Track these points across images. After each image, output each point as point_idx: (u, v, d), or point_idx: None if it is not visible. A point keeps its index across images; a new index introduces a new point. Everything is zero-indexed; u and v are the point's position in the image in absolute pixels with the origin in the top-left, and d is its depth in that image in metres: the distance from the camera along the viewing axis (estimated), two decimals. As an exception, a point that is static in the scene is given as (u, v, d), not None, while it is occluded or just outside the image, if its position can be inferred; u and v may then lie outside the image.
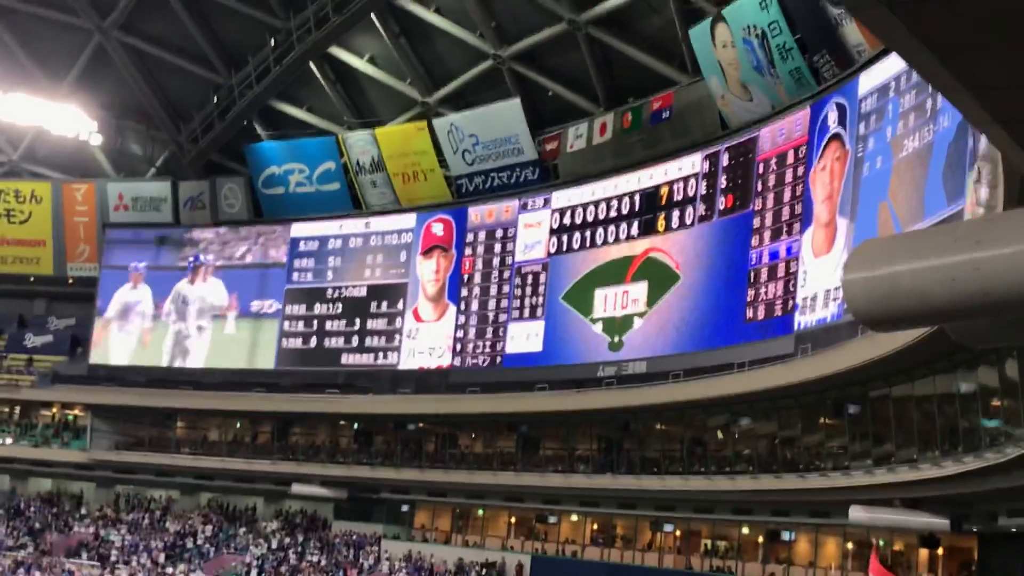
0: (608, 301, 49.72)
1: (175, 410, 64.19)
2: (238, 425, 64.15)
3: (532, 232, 53.80)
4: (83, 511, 66.47)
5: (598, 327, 49.88)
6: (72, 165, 69.22)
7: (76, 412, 67.31)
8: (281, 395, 59.74)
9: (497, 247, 55.13)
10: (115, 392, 63.63)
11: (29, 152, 70.31)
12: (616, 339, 48.90)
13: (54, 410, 68.20)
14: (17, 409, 68.32)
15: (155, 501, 67.31)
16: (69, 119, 63.90)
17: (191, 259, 64.88)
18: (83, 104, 64.06)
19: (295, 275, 61.81)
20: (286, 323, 61.43)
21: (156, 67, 64.06)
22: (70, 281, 69.43)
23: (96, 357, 65.95)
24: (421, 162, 57.74)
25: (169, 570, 59.24)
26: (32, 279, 70.38)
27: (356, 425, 60.69)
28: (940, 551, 39.78)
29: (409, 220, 58.71)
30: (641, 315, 48.11)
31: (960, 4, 6.01)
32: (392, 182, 58.91)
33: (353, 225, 60.63)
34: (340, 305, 59.95)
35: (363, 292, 59.39)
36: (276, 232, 62.78)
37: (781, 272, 41.37)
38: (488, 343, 54.49)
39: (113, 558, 60.74)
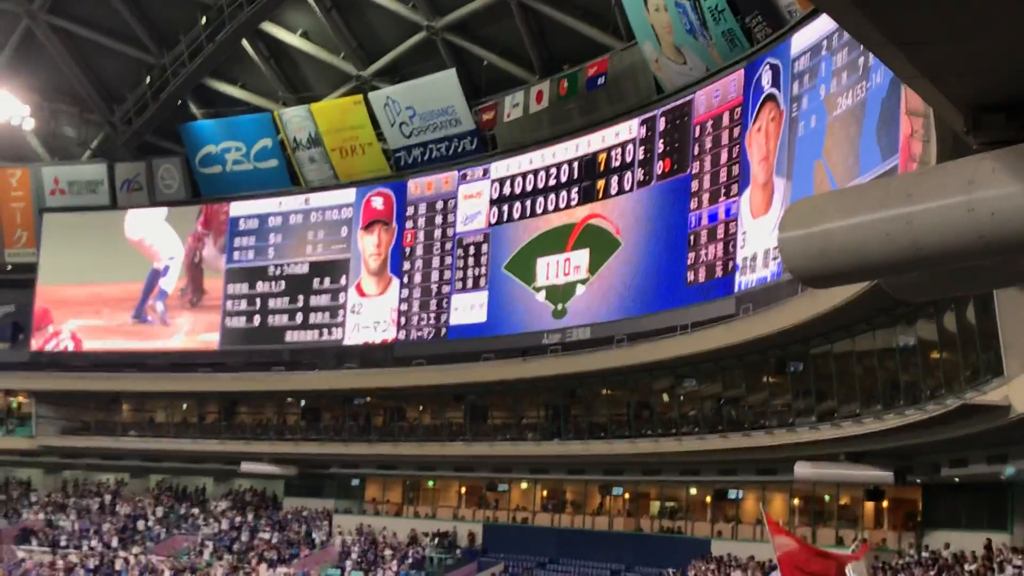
0: (550, 269, 49.84)
1: (120, 393, 63.80)
2: (184, 406, 63.76)
3: (472, 203, 53.78)
4: (32, 498, 66.05)
5: (541, 295, 50.00)
6: (5, 150, 68.21)
7: (20, 399, 66.71)
8: (226, 374, 59.37)
9: (438, 219, 55.05)
10: (58, 378, 63.11)
11: (-40, 139, 69.44)
12: (560, 307, 49.05)
13: (-3, 397, 67.69)
14: (-41, 399, 67.75)
15: (104, 485, 66.99)
16: (0, 104, 63.13)
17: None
18: (14, 89, 63.25)
19: (236, 254, 61.44)
20: (229, 302, 61.10)
21: (87, 49, 63.33)
22: (8, 268, 68.62)
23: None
24: (358, 136, 57.53)
25: (121, 553, 59.01)
26: (-31, 267, 69.62)
27: (303, 402, 60.51)
28: (885, 503, 40.36)
29: (349, 195, 58.50)
30: (583, 282, 48.28)
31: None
32: (330, 157, 58.66)
33: (292, 202, 60.32)
34: (283, 283, 59.69)
35: (305, 269, 59.18)
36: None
37: (720, 234, 41.62)
38: (432, 315, 54.49)
39: (64, 543, 60.43)
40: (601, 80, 48.67)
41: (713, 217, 42.07)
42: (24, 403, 66.28)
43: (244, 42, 59.13)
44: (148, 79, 62.52)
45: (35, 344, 64.95)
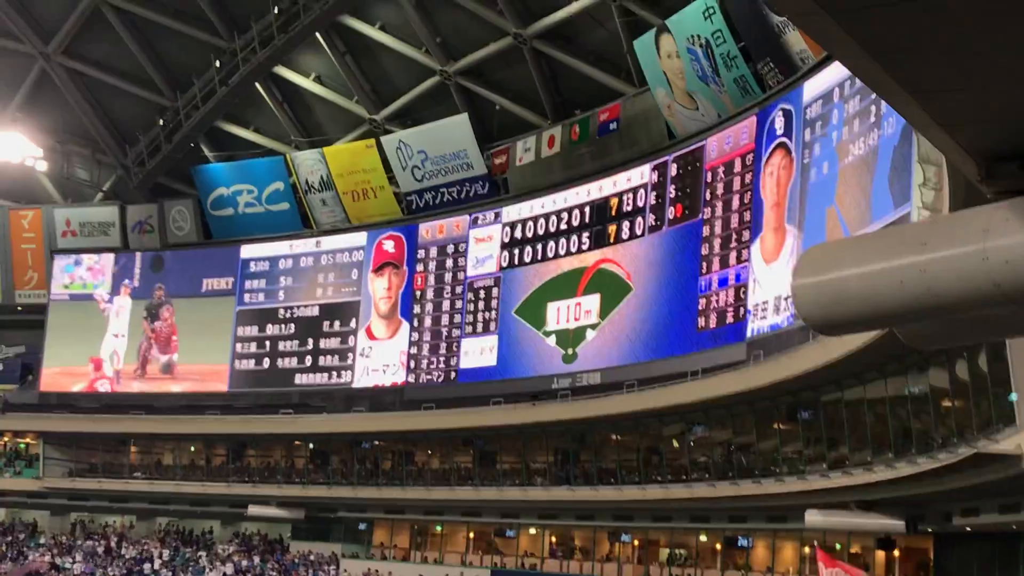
0: (561, 313, 49.79)
1: (128, 435, 63.71)
2: (192, 448, 63.68)
3: (483, 247, 53.82)
4: (39, 540, 65.84)
5: (551, 340, 49.93)
6: (18, 192, 68.58)
7: (28, 440, 66.65)
8: (235, 417, 59.39)
9: (449, 263, 55.10)
10: (66, 419, 63.09)
11: (-26, 180, 69.63)
12: (570, 351, 48.96)
13: (5, 439, 67.52)
14: (-33, 439, 67.67)
15: (110, 527, 66.79)
16: (14, 146, 63.32)
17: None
18: (28, 130, 63.53)
19: (246, 296, 61.48)
20: (238, 345, 61.09)
21: (101, 91, 63.65)
22: (19, 308, 68.73)
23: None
24: (370, 179, 57.67)
25: (127, 597, 58.78)
26: (-20, 308, 69.69)
27: (311, 445, 60.39)
28: (896, 552, 40.05)
29: (360, 238, 58.58)
30: (594, 327, 48.20)
31: (901, 9, 6.07)
32: (342, 200, 58.78)
33: (304, 245, 60.42)
34: (292, 325, 59.69)
35: (315, 311, 59.19)
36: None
37: (731, 280, 41.56)
38: (442, 359, 54.42)
39: (69, 586, 60.23)
40: (613, 125, 48.77)
41: (725, 263, 42.02)
42: (32, 444, 66.20)
43: (257, 85, 59.38)
44: (161, 122, 62.74)
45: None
